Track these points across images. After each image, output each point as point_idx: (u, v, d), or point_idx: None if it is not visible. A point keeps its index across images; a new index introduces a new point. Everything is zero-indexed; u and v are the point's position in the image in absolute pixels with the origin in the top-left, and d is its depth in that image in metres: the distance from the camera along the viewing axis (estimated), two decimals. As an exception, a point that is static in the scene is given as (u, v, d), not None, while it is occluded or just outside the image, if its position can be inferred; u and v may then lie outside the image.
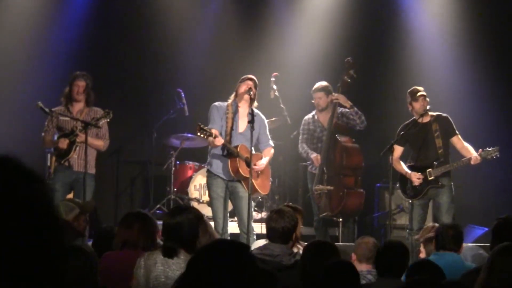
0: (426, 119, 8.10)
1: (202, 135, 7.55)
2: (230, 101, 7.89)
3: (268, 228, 5.18)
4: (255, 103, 7.79)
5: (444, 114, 8.16)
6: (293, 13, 10.88)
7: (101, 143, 8.20)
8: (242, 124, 7.87)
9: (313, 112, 9.10)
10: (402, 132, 8.00)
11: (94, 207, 6.46)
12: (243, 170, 7.67)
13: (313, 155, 8.80)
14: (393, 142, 7.76)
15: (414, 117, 8.07)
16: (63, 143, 7.96)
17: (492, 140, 8.53)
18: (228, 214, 7.93)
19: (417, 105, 8.01)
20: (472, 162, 7.89)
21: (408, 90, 8.14)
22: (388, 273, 4.60)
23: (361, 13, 10.55)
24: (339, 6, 10.67)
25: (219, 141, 7.57)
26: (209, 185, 7.95)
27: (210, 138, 7.59)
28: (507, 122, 10.29)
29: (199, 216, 4.64)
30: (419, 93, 8.01)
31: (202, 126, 7.52)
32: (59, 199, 7.75)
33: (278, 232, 5.05)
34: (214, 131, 7.56)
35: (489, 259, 3.64)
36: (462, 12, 10.36)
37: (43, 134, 8.21)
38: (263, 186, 7.99)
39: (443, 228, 5.66)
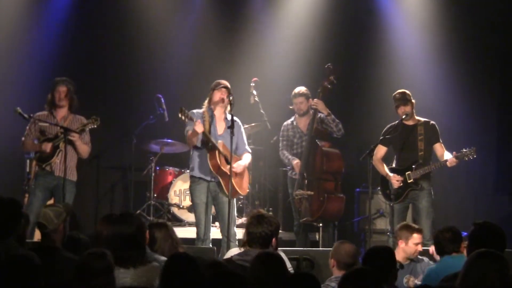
0: (411, 122, 8.17)
1: (183, 117, 7.57)
2: (204, 107, 7.92)
3: (247, 233, 5.18)
4: (228, 108, 7.82)
5: (432, 122, 8.22)
6: (272, 19, 10.90)
7: (87, 149, 8.18)
8: (220, 128, 7.91)
9: (292, 118, 9.12)
10: (387, 135, 8.07)
11: (72, 211, 6.41)
12: (224, 166, 7.69)
13: (295, 161, 8.82)
14: (372, 147, 7.80)
15: (400, 119, 8.13)
16: (47, 146, 7.93)
17: (471, 142, 8.57)
18: (210, 220, 7.92)
19: (399, 111, 8.12)
20: (448, 164, 7.96)
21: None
22: None
23: (340, 19, 10.57)
24: (318, 12, 10.69)
25: (200, 126, 7.60)
26: (192, 191, 7.95)
27: (189, 132, 7.64)
28: (486, 125, 10.36)
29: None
30: (396, 102, 8.10)
31: (184, 109, 7.57)
32: (39, 204, 7.72)
33: (256, 237, 5.06)
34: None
35: (466, 264, 3.69)
36: (441, 14, 10.42)
37: (23, 138, 8.15)
38: (241, 187, 7.99)
39: (439, 234, 5.81)
